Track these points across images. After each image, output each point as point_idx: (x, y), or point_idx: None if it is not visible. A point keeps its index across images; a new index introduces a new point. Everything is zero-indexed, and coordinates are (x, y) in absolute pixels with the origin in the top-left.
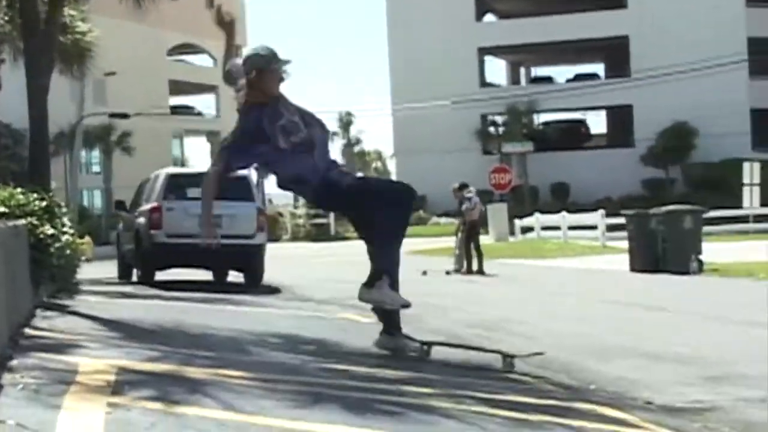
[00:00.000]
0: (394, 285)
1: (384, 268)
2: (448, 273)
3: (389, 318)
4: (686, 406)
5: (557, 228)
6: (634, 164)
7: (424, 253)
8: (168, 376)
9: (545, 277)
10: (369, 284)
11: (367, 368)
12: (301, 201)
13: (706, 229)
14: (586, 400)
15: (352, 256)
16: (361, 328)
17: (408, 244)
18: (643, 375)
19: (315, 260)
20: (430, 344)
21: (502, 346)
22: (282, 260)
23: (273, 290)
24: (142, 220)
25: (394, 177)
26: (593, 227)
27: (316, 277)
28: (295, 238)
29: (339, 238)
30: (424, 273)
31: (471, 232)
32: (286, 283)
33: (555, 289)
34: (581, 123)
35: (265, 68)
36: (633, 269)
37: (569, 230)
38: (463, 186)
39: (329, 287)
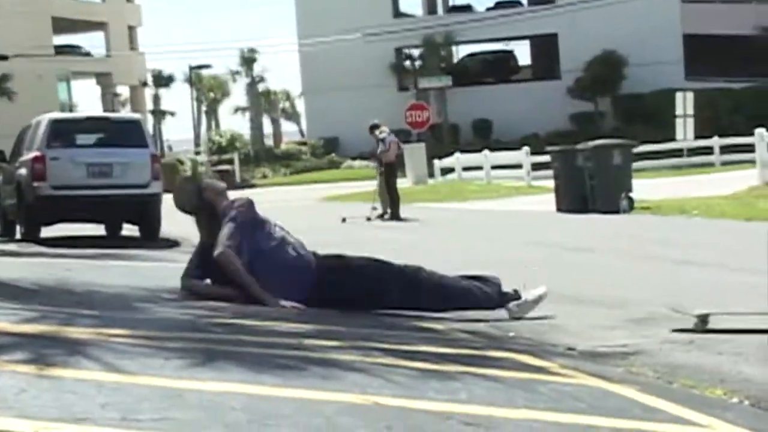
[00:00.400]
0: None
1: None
2: (369, 219)
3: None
4: (609, 351)
5: (480, 168)
6: (561, 98)
7: (342, 199)
8: (45, 338)
9: (467, 221)
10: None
11: (267, 322)
12: (203, 147)
13: (637, 164)
14: (504, 348)
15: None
16: None
17: (321, 190)
18: (566, 320)
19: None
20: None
21: None
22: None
23: (171, 243)
24: (23, 171)
25: (303, 118)
26: (518, 166)
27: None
28: None
29: (245, 185)
30: (343, 220)
31: (387, 175)
32: (186, 236)
33: (477, 233)
34: (509, 54)
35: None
36: (560, 209)
37: (492, 170)
38: (375, 126)
39: None
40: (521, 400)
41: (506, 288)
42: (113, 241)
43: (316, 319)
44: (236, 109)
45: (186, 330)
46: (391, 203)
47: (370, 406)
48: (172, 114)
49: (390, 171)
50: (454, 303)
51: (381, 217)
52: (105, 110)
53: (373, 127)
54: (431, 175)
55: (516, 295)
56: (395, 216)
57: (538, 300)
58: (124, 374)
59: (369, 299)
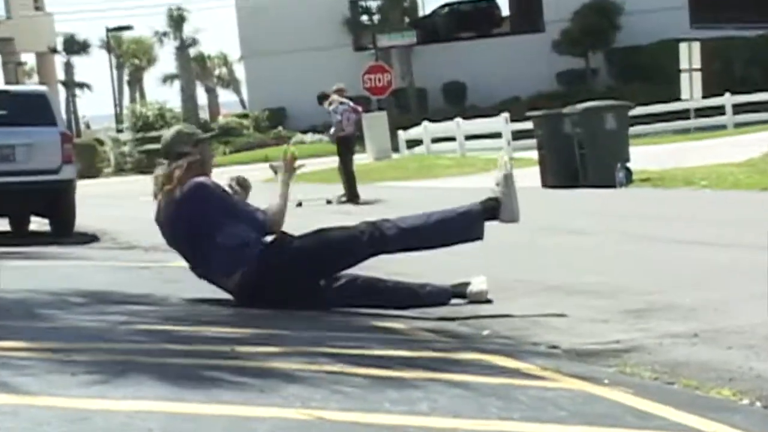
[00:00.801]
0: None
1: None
2: (329, 202)
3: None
4: (599, 348)
5: (452, 139)
6: (545, 53)
7: (297, 179)
8: None
9: (438, 201)
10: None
11: (196, 327)
12: (127, 123)
13: (635, 129)
14: (475, 349)
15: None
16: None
17: (268, 169)
18: (551, 312)
19: (146, 198)
20: None
21: None
22: (103, 200)
23: (88, 239)
24: None
25: (243, 86)
26: (497, 135)
27: (146, 218)
28: (120, 170)
29: None
30: (299, 204)
31: (342, 151)
32: (106, 229)
33: None
34: (492, 4)
35: (201, 138)
36: (546, 185)
37: (467, 141)
38: (323, 96)
39: None
40: (494, 410)
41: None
42: (19, 238)
43: (252, 322)
44: (164, 78)
45: (98, 340)
46: (347, 184)
47: (312, 422)
48: (89, 86)
49: (345, 145)
50: (402, 302)
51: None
52: (7, 82)
53: (322, 98)
54: (395, 149)
55: (492, 203)
56: (352, 198)
57: (508, 179)
58: (22, 395)
59: (311, 288)
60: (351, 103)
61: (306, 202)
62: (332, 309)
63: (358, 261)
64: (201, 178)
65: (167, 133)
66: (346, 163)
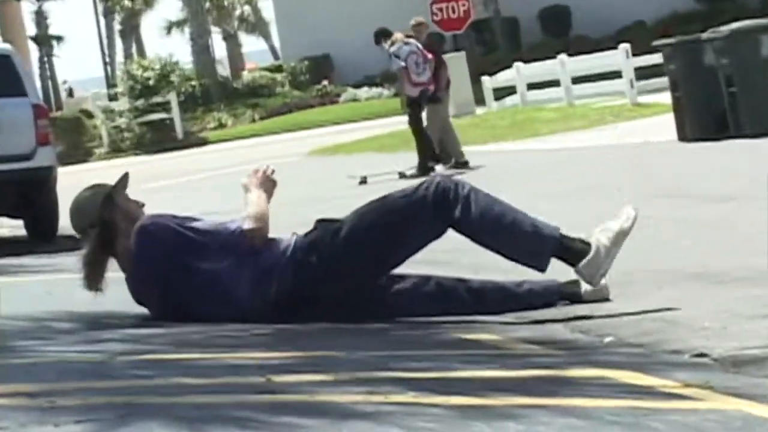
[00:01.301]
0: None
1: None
2: (403, 176)
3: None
4: (762, 355)
5: (555, 84)
6: None
7: (348, 150)
8: None
9: (541, 168)
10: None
11: (217, 353)
12: (121, 87)
13: None
14: (593, 363)
15: (215, 172)
16: None
17: (312, 139)
18: (691, 309)
19: (151, 186)
20: None
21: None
22: None
23: (75, 244)
24: None
25: (273, 29)
26: (614, 75)
27: (154, 212)
28: (116, 150)
29: (193, 143)
30: (363, 181)
31: (413, 110)
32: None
33: (564, 185)
34: None
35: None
36: (683, 138)
37: (575, 85)
38: (383, 33)
39: None
40: None
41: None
42: None
43: (292, 343)
44: (168, 26)
45: (90, 377)
46: (424, 149)
47: None
48: (66, 41)
49: (419, 107)
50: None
51: (457, 165)
52: None
53: (381, 35)
54: (479, 100)
55: (584, 247)
56: (428, 163)
57: (621, 230)
58: None
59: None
60: (419, 45)
61: (372, 177)
62: (397, 319)
63: (432, 238)
64: (138, 224)
65: (71, 206)
66: (414, 120)
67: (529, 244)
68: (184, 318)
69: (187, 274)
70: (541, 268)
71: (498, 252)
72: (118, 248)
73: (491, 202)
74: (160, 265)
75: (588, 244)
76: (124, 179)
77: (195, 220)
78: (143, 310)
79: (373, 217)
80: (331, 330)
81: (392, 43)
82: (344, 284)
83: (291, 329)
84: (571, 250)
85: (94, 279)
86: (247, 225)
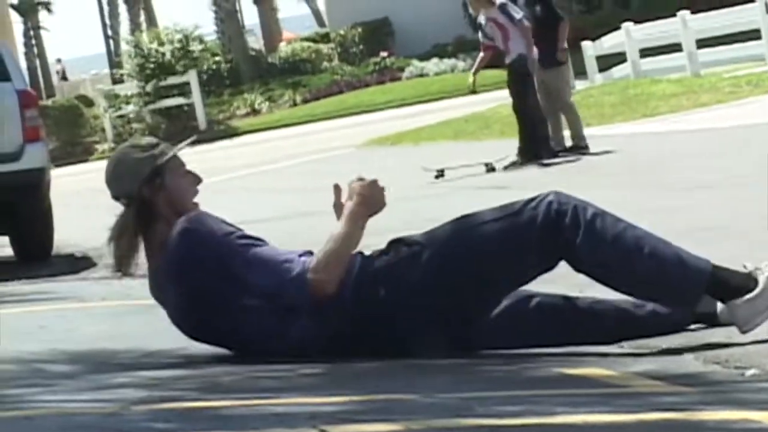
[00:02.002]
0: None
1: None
2: (491, 169)
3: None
4: None
5: (675, 48)
6: None
7: (415, 139)
8: None
9: (664, 157)
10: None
11: (256, 399)
12: (128, 67)
13: None
14: (734, 402)
15: (246, 171)
16: None
17: (369, 125)
18: None
19: None
20: None
21: None
22: (96, 199)
23: (76, 265)
24: None
25: None
26: (752, 35)
27: None
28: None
29: (219, 135)
30: (439, 175)
31: (517, 86)
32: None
33: (695, 179)
34: None
35: (155, 167)
36: None
37: (700, 50)
38: None
39: None
40: None
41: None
42: None
43: (350, 384)
44: None
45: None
46: (525, 135)
47: None
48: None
49: (519, 78)
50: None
51: (561, 152)
52: None
53: None
54: (580, 72)
55: (744, 281)
56: (533, 154)
57: None
58: None
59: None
60: (497, 9)
61: (450, 171)
62: (480, 352)
63: (537, 274)
64: (184, 222)
65: (109, 161)
66: (524, 101)
67: (673, 287)
68: (205, 336)
69: (227, 298)
70: (686, 320)
71: (628, 294)
72: (153, 232)
73: (623, 229)
74: (198, 277)
75: (752, 279)
76: (182, 146)
77: (256, 244)
78: (166, 346)
79: (463, 244)
80: (397, 366)
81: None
82: (419, 325)
83: (347, 367)
84: (727, 284)
85: (123, 259)
86: (314, 273)
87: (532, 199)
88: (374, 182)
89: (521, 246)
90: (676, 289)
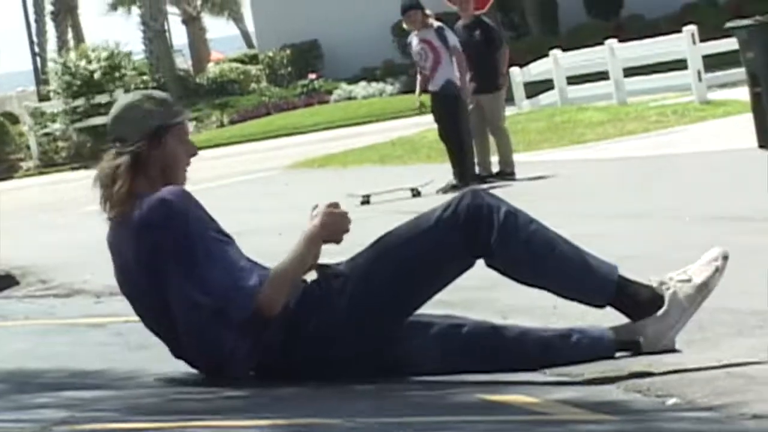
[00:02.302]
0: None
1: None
2: (416, 193)
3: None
4: None
5: (602, 76)
6: None
7: (343, 162)
8: None
9: (589, 183)
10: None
11: (183, 421)
12: (55, 84)
13: None
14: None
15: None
16: None
17: (296, 148)
18: None
19: (92, 208)
20: None
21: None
22: (22, 217)
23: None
24: None
25: (248, 11)
26: (678, 65)
27: (96, 243)
28: (48, 164)
29: None
30: (365, 201)
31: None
32: (29, 265)
33: (617, 205)
34: None
35: (161, 125)
36: (763, 145)
37: (627, 78)
38: (415, 6)
39: None
40: None
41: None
42: None
43: (275, 407)
44: (114, 4)
45: None
46: (458, 159)
47: None
48: None
49: (448, 104)
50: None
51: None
52: None
53: (412, 9)
54: (508, 97)
55: (651, 297)
56: (469, 177)
57: (704, 285)
58: None
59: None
60: (433, 31)
61: (377, 196)
62: (404, 377)
63: (458, 273)
64: (168, 193)
65: (120, 101)
66: (451, 128)
67: (581, 287)
68: (140, 307)
69: (175, 282)
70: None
71: (541, 288)
72: (134, 185)
73: (534, 229)
74: (158, 248)
75: (658, 296)
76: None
77: (224, 241)
78: (93, 366)
79: (386, 269)
80: (320, 391)
81: (427, 19)
82: (353, 344)
83: (270, 391)
84: (635, 299)
85: (116, 204)
86: (266, 293)
87: (448, 206)
88: (342, 212)
89: (442, 257)
90: (584, 289)
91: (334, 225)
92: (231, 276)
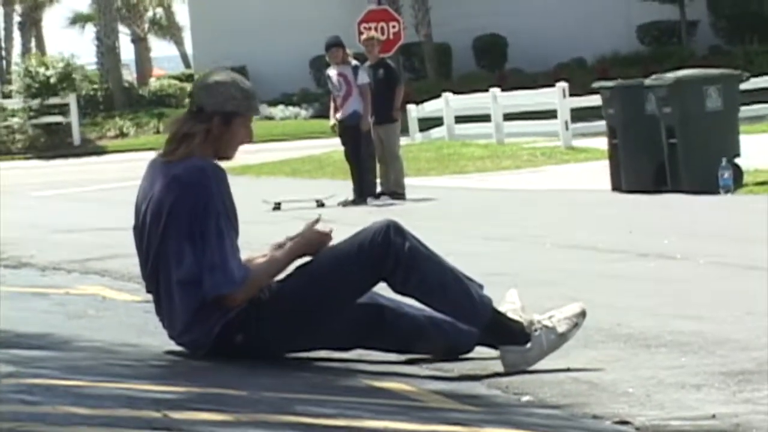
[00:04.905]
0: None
1: (486, 314)
2: (321, 204)
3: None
4: (688, 426)
5: (486, 119)
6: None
7: (257, 172)
8: None
9: (463, 207)
10: (515, 343)
11: (113, 382)
12: (16, 85)
13: (749, 109)
14: (508, 424)
15: (110, 185)
16: (116, 309)
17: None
18: (617, 373)
19: (42, 193)
20: None
21: None
22: None
23: None
24: None
25: (187, 35)
26: (549, 114)
27: (44, 224)
28: (5, 152)
29: (90, 151)
30: (276, 207)
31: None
32: None
33: (480, 228)
34: None
35: (239, 111)
36: (618, 188)
37: (507, 122)
38: (337, 45)
39: (66, 242)
40: None
41: (505, 308)
42: None
43: (194, 377)
44: (73, 19)
45: None
46: (357, 179)
47: None
48: None
49: (353, 132)
50: (408, 345)
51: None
52: None
53: (335, 47)
54: (404, 130)
55: (518, 332)
56: (366, 194)
57: (564, 335)
58: None
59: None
60: (350, 67)
61: (286, 204)
62: (308, 362)
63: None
64: (210, 165)
65: (214, 75)
66: (355, 152)
67: (465, 316)
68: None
69: (179, 241)
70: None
71: (437, 306)
72: (195, 147)
73: (430, 267)
74: (181, 203)
75: (525, 332)
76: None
77: (234, 228)
78: (36, 330)
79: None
80: (231, 366)
81: (347, 57)
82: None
83: (191, 363)
84: (506, 328)
85: (171, 147)
86: (241, 290)
87: (368, 231)
88: (324, 233)
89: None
90: (465, 318)
91: (312, 244)
92: (223, 258)
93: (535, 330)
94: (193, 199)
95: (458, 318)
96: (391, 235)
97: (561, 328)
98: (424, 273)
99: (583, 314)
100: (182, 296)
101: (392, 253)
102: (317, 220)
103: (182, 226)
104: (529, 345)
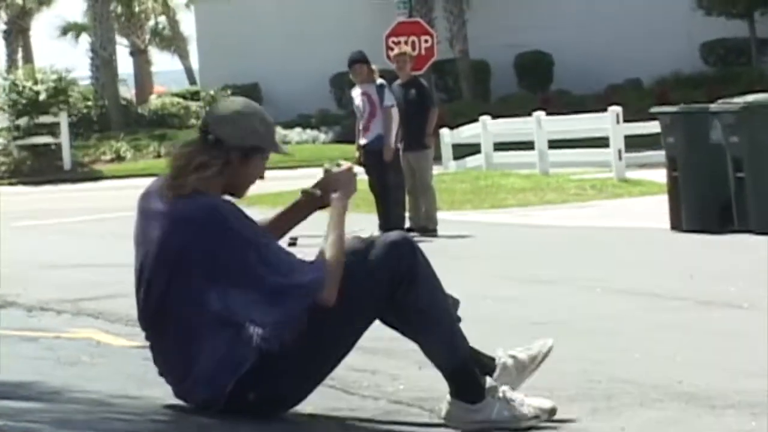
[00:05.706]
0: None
1: (457, 361)
2: (293, 243)
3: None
4: None
5: (528, 146)
6: (683, 14)
7: (273, 203)
8: None
9: (503, 247)
10: (465, 399)
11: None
12: (1, 101)
13: None
14: None
15: (105, 215)
16: (113, 355)
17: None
18: None
19: (28, 223)
20: None
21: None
22: None
23: None
24: None
25: (193, 48)
26: (600, 143)
27: (30, 258)
28: None
29: (82, 177)
30: (292, 242)
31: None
32: None
33: (521, 270)
34: None
35: (261, 147)
36: (677, 227)
37: (551, 150)
38: (363, 61)
39: (55, 279)
40: None
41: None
42: None
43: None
44: (65, 29)
45: None
46: (384, 211)
47: None
48: None
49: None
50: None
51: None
52: None
53: (358, 63)
54: (437, 157)
55: (479, 389)
56: (393, 229)
57: (517, 417)
58: None
59: None
60: (375, 86)
61: (303, 239)
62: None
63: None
64: (222, 202)
65: (235, 104)
66: (381, 181)
67: (441, 358)
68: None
69: (182, 287)
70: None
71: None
72: (205, 183)
73: (438, 298)
74: (194, 252)
75: (481, 393)
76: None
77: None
78: (23, 378)
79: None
80: (245, 423)
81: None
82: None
83: (199, 419)
84: (469, 380)
85: (176, 182)
86: (325, 287)
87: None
88: (350, 170)
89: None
90: (437, 357)
91: (351, 183)
92: (290, 268)
93: (492, 397)
94: (205, 239)
95: (429, 353)
96: (409, 255)
97: (521, 410)
98: (430, 299)
99: (552, 412)
100: (210, 336)
101: (407, 270)
102: (332, 167)
103: (196, 272)
104: (475, 406)
